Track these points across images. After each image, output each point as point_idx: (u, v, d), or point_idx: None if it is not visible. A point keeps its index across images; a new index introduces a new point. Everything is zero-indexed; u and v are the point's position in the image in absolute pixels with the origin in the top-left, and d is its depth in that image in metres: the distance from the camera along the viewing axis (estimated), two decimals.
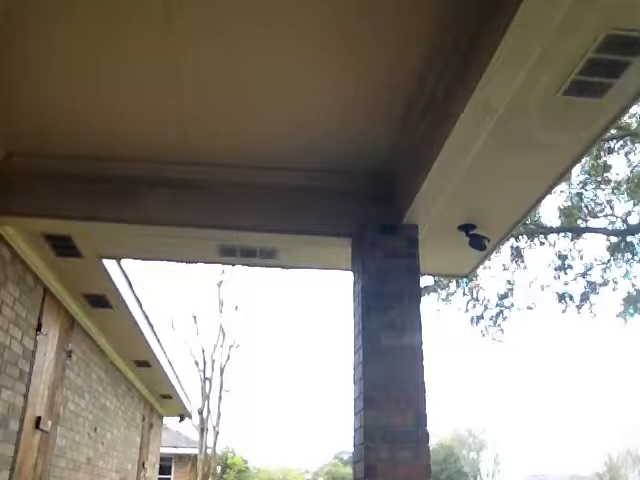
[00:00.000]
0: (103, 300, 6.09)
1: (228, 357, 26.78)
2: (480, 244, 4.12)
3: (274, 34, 2.84)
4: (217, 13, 2.71)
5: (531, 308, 12.87)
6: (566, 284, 12.17)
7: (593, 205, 11.91)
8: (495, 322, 12.76)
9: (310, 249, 4.53)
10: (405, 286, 3.59)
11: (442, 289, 13.01)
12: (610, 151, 11.08)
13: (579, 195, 11.75)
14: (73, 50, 2.99)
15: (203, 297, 40.30)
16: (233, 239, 4.27)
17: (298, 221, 3.88)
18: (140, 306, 6.88)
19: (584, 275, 12.08)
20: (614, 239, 11.97)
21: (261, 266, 5.19)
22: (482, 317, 12.84)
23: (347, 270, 3.99)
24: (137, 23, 2.81)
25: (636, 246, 11.77)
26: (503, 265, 12.39)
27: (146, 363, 8.78)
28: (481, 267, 5.04)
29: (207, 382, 26.61)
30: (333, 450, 40.23)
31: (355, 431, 3.47)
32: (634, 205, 11.67)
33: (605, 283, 12.10)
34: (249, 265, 5.15)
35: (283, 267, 5.27)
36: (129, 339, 7.54)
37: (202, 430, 25.35)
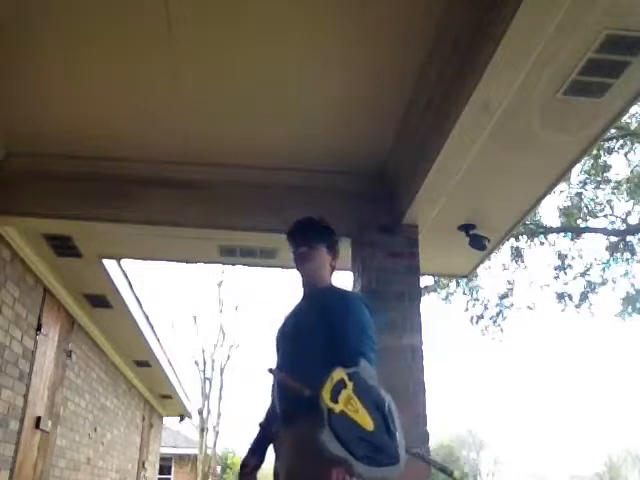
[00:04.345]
0: (103, 300, 6.09)
1: (228, 357, 26.79)
2: (480, 244, 4.12)
3: (274, 35, 2.83)
4: (218, 16, 2.71)
5: (531, 308, 12.88)
6: (565, 284, 12.18)
7: (593, 205, 11.90)
8: (495, 322, 12.76)
9: None
10: (405, 286, 3.59)
11: (442, 289, 13.01)
12: (610, 151, 11.07)
13: (579, 195, 11.74)
14: (74, 51, 2.99)
15: (203, 297, 40.31)
16: (233, 239, 4.27)
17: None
18: (140, 306, 6.88)
19: (583, 275, 12.08)
20: (614, 239, 11.96)
21: (261, 266, 5.19)
22: (482, 317, 12.85)
23: (347, 270, 3.99)
24: (138, 25, 2.80)
25: (635, 246, 11.77)
26: (503, 265, 12.39)
27: (146, 363, 8.79)
28: (481, 267, 5.04)
29: (207, 382, 26.61)
30: None
31: None
32: (634, 205, 11.67)
33: (604, 283, 12.11)
34: (249, 265, 5.15)
35: (283, 267, 5.25)
36: (129, 339, 7.54)
37: (202, 430, 25.34)
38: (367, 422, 1.87)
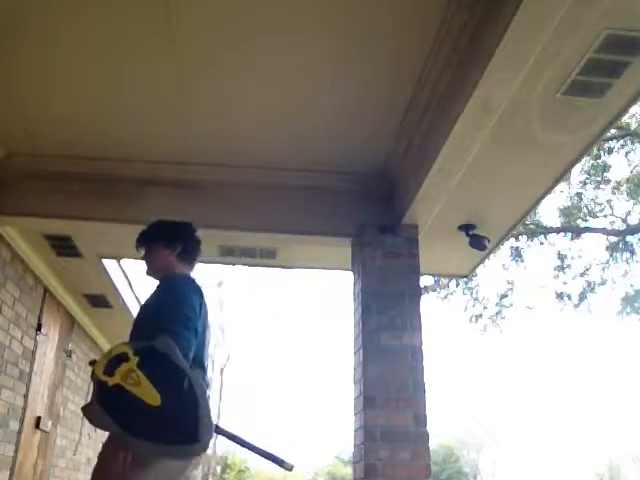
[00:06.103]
0: (103, 300, 6.10)
1: (228, 357, 26.77)
2: (480, 244, 4.12)
3: (274, 34, 2.83)
4: (218, 17, 2.71)
5: (530, 308, 12.89)
6: (565, 284, 12.18)
7: (593, 205, 11.90)
8: (494, 321, 12.77)
9: (310, 249, 4.53)
10: (405, 286, 3.59)
11: (442, 288, 13.00)
12: (610, 151, 11.06)
13: (579, 195, 11.74)
14: (74, 51, 2.99)
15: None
16: (233, 239, 4.27)
17: (298, 221, 3.88)
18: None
19: (583, 275, 12.08)
20: (614, 239, 11.96)
21: (261, 266, 5.19)
22: (481, 316, 12.85)
23: (347, 270, 3.99)
24: (138, 24, 2.80)
25: (635, 246, 11.77)
26: (503, 265, 12.39)
27: None
28: (481, 267, 5.04)
29: None
30: (333, 450, 40.14)
31: (355, 431, 3.47)
32: (634, 205, 11.67)
33: (604, 283, 12.11)
34: (249, 265, 5.15)
35: (283, 267, 5.26)
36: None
37: None
38: (150, 396, 1.81)
